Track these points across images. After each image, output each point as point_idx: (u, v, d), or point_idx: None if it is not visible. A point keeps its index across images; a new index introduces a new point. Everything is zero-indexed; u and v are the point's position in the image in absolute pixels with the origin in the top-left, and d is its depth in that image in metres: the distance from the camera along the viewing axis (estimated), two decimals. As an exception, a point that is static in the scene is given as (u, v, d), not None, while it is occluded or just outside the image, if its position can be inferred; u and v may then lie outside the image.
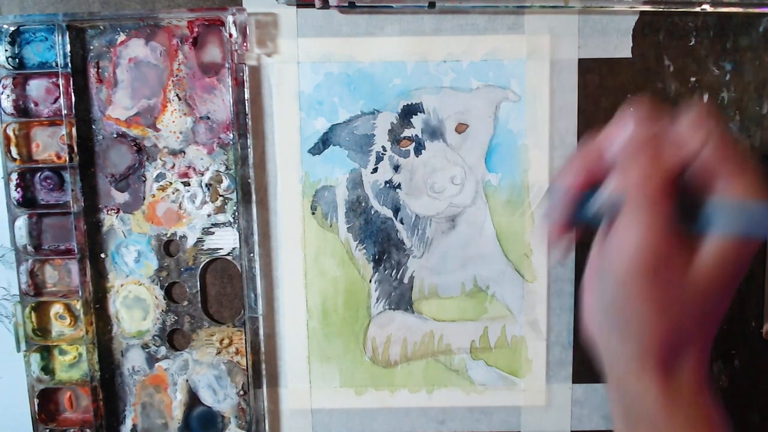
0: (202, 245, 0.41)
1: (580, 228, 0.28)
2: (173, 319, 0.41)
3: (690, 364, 0.28)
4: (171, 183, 0.40)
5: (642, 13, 0.39)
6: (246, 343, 0.41)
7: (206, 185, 0.40)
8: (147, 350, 0.42)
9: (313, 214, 0.41)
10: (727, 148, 0.25)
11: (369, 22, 0.39)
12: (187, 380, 0.42)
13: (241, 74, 0.39)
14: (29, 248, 0.40)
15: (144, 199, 0.41)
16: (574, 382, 0.42)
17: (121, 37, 0.39)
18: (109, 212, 0.41)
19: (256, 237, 0.40)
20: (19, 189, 0.40)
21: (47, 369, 0.41)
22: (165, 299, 0.41)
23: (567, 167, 0.28)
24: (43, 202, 0.41)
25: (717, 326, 0.29)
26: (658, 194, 0.25)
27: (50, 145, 0.40)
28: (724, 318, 0.29)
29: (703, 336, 0.28)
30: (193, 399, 0.42)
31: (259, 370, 0.41)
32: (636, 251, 0.26)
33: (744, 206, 0.25)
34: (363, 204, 0.41)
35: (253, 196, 0.40)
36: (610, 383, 0.30)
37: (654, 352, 0.28)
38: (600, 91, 0.40)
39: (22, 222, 0.40)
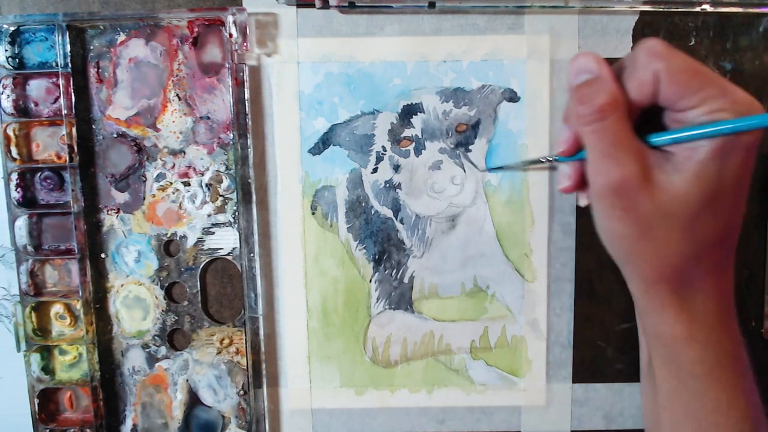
0: (203, 245, 0.41)
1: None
2: (173, 319, 0.41)
3: (705, 287, 0.28)
4: (171, 183, 0.40)
5: (642, 13, 0.39)
6: (246, 343, 0.41)
7: (206, 185, 0.40)
8: (147, 350, 0.42)
9: (313, 214, 0.41)
10: (678, 80, 0.26)
11: (369, 22, 0.39)
12: (187, 380, 0.42)
13: (241, 74, 0.39)
14: (29, 248, 0.40)
15: (144, 199, 0.41)
16: (574, 382, 0.42)
17: (121, 37, 0.39)
18: (109, 212, 0.41)
19: (256, 237, 0.40)
20: (19, 189, 0.40)
21: (47, 369, 0.41)
22: (165, 299, 0.41)
23: (559, 136, 0.31)
24: (43, 202, 0.41)
25: (727, 247, 0.29)
26: (597, 126, 0.27)
27: (50, 145, 0.40)
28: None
29: (710, 262, 0.28)
30: (193, 399, 0.42)
31: (260, 370, 0.41)
32: (592, 176, 0.28)
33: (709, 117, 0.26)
34: (363, 204, 0.41)
35: (253, 196, 0.40)
36: (637, 317, 0.32)
37: (656, 272, 0.28)
38: (600, 91, 0.40)
39: (22, 222, 0.40)
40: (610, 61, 0.39)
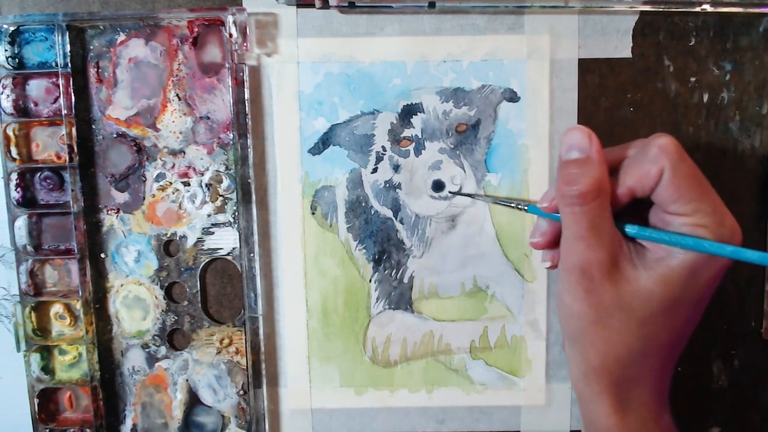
0: (202, 245, 0.41)
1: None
2: (173, 319, 0.41)
3: (644, 382, 0.29)
4: (171, 183, 0.40)
5: (642, 13, 0.39)
6: (246, 343, 0.41)
7: (206, 185, 0.40)
8: (147, 350, 0.42)
9: (313, 214, 0.41)
10: (679, 185, 0.26)
11: (369, 22, 0.39)
12: (187, 380, 0.42)
13: (241, 74, 0.39)
14: (29, 248, 0.40)
15: (144, 199, 0.41)
16: (573, 382, 0.42)
17: (121, 37, 0.39)
18: (109, 212, 0.41)
19: (256, 237, 0.40)
20: (18, 189, 0.40)
21: (47, 369, 0.41)
22: (165, 299, 0.41)
23: (547, 191, 0.31)
24: (42, 202, 0.41)
25: (676, 351, 0.30)
26: (577, 209, 0.27)
27: (50, 145, 0.40)
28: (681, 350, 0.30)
29: (655, 362, 0.29)
30: (193, 399, 0.42)
31: (259, 370, 0.41)
32: (564, 251, 0.28)
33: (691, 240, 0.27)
34: (363, 204, 0.41)
35: (253, 196, 0.40)
36: (576, 396, 0.32)
37: (601, 359, 0.28)
38: (600, 91, 0.40)
39: (21, 222, 0.40)
40: (610, 61, 0.39)
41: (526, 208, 0.31)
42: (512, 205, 0.33)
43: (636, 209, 0.29)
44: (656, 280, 0.27)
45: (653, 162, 0.27)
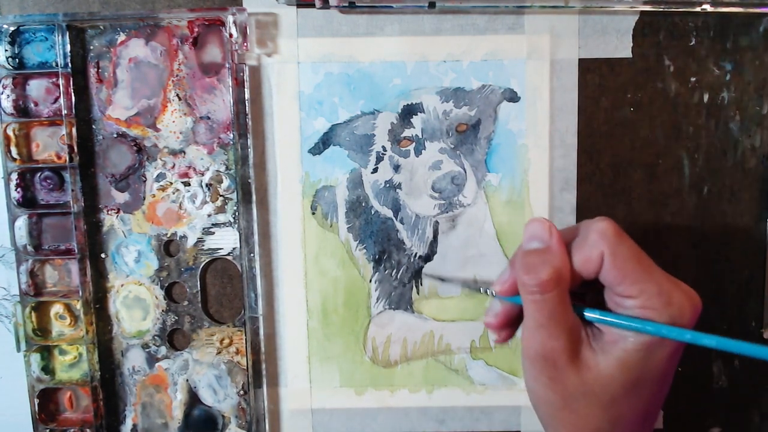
0: (203, 245, 0.41)
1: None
2: (173, 319, 0.41)
3: None
4: (171, 183, 0.40)
5: (642, 13, 0.39)
6: (246, 343, 0.41)
7: (206, 185, 0.40)
8: (147, 350, 0.42)
9: (313, 214, 0.41)
10: (621, 267, 0.27)
11: (369, 22, 0.39)
12: (187, 380, 0.42)
13: (241, 74, 0.39)
14: (29, 248, 0.40)
15: (144, 199, 0.41)
16: (574, 382, 0.42)
17: (121, 37, 0.39)
18: (109, 212, 0.41)
19: (256, 237, 0.40)
20: (19, 189, 0.40)
21: (47, 369, 0.41)
22: (165, 299, 0.41)
23: (501, 274, 0.31)
24: (43, 202, 0.41)
25: (645, 427, 0.30)
26: (538, 297, 0.28)
27: (50, 145, 0.40)
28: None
29: None
30: (193, 399, 0.42)
31: (260, 370, 0.41)
32: (525, 339, 0.29)
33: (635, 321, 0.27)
34: (363, 204, 0.41)
35: (253, 196, 0.40)
36: None
37: None
38: (600, 91, 0.40)
39: (22, 222, 0.40)
40: (610, 61, 0.39)
41: (493, 294, 0.32)
42: (481, 290, 0.33)
43: (591, 289, 0.30)
44: (614, 364, 0.27)
45: (593, 247, 0.27)
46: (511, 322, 0.31)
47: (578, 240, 0.28)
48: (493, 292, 0.31)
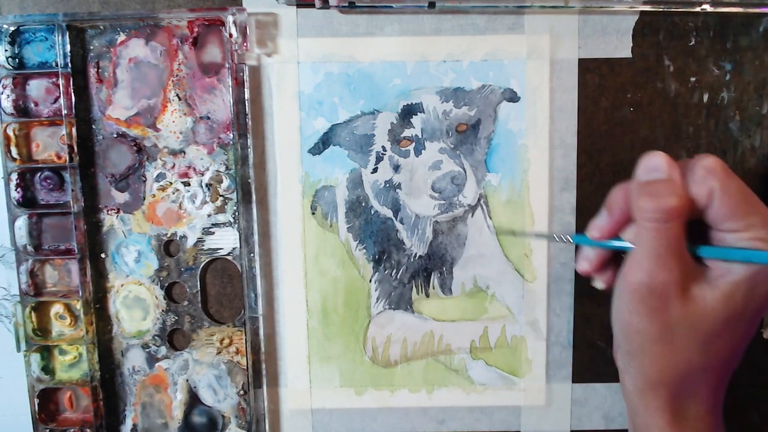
0: (203, 245, 0.41)
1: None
2: (173, 319, 0.41)
3: (700, 396, 0.29)
4: (171, 183, 0.40)
5: (642, 13, 0.39)
6: (246, 343, 0.41)
7: (206, 185, 0.40)
8: (147, 350, 0.42)
9: (313, 214, 0.41)
10: (730, 203, 0.27)
11: (369, 22, 0.39)
12: (187, 380, 0.42)
13: (241, 74, 0.39)
14: (29, 248, 0.40)
15: (144, 199, 0.41)
16: (573, 381, 0.42)
17: (121, 37, 0.39)
18: (109, 212, 0.41)
19: (256, 237, 0.40)
20: (19, 189, 0.40)
21: (47, 369, 0.41)
22: (165, 299, 0.41)
23: (596, 220, 0.31)
24: (43, 202, 0.41)
25: (729, 370, 0.30)
26: (660, 225, 0.27)
27: (50, 145, 0.40)
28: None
29: (713, 375, 0.29)
30: (193, 399, 0.42)
31: (260, 370, 0.41)
32: (633, 270, 0.28)
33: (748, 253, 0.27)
34: (363, 204, 0.41)
35: (253, 196, 0.40)
36: (627, 407, 0.32)
37: (660, 375, 0.29)
38: (600, 91, 0.40)
39: (22, 222, 0.40)
40: (610, 61, 0.39)
41: (570, 239, 0.32)
42: (560, 238, 0.33)
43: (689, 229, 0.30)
44: (720, 297, 0.28)
45: (701, 184, 0.28)
46: (605, 267, 0.31)
47: (686, 178, 0.28)
48: (569, 239, 0.31)
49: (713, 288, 0.28)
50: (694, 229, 0.29)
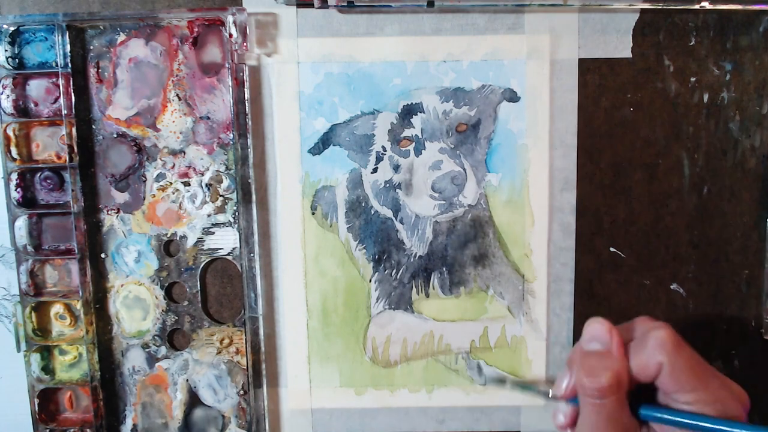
0: (203, 245, 0.41)
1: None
2: (173, 319, 0.41)
3: None
4: (171, 183, 0.40)
5: (642, 13, 0.39)
6: (246, 343, 0.41)
7: (206, 185, 0.40)
8: (147, 350, 0.42)
9: (313, 214, 0.41)
10: (679, 378, 0.28)
11: (369, 22, 0.39)
12: (187, 380, 0.42)
13: (241, 74, 0.39)
14: (29, 248, 0.40)
15: (144, 199, 0.41)
16: (574, 382, 0.42)
17: (121, 37, 0.39)
18: (109, 212, 0.41)
19: (256, 237, 0.40)
20: (19, 189, 0.40)
21: (47, 369, 0.41)
22: (165, 299, 0.41)
23: (560, 380, 0.32)
24: (43, 202, 0.41)
25: None
26: (598, 402, 0.28)
27: (50, 145, 0.40)
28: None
29: None
30: (193, 399, 0.42)
31: (260, 370, 0.41)
32: None
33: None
34: (363, 204, 0.41)
35: (253, 196, 0.40)
36: None
37: None
38: (600, 91, 0.40)
39: (22, 222, 0.40)
40: (610, 61, 0.39)
41: (549, 394, 0.33)
42: (541, 392, 0.34)
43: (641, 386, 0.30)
44: None
45: (651, 356, 0.28)
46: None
47: (635, 344, 0.29)
48: (549, 394, 0.32)
49: None
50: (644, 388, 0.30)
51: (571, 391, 0.31)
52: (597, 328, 0.30)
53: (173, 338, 0.42)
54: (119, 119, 0.40)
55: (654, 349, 0.28)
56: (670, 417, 0.28)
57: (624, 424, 0.29)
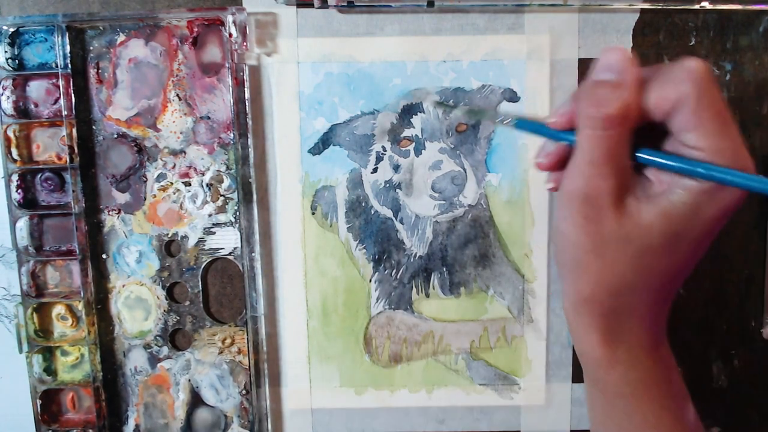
0: (204, 245, 0.41)
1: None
2: (175, 319, 0.42)
3: (635, 316, 0.28)
4: (172, 183, 0.41)
5: (642, 13, 0.39)
6: (248, 343, 0.41)
7: (207, 185, 0.40)
8: (149, 350, 0.42)
9: (313, 214, 0.41)
10: (702, 115, 0.24)
11: (369, 22, 0.39)
12: (189, 380, 0.42)
13: (241, 74, 0.39)
14: (30, 249, 0.40)
15: (145, 199, 0.41)
16: (573, 381, 0.42)
17: (121, 37, 0.39)
18: (110, 213, 0.41)
19: (257, 237, 0.40)
20: (20, 190, 0.40)
21: (49, 370, 0.42)
22: (167, 299, 0.41)
23: (559, 106, 0.28)
24: (44, 203, 0.41)
25: (671, 291, 0.28)
26: (598, 133, 0.25)
27: (51, 146, 0.40)
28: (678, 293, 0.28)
29: (650, 296, 0.28)
30: (195, 399, 0.42)
31: (261, 370, 0.41)
32: (570, 176, 0.26)
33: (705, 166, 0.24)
34: (363, 204, 0.41)
35: (254, 196, 0.40)
36: (568, 327, 0.30)
37: (592, 289, 0.27)
38: (600, 90, 0.40)
39: (23, 223, 0.40)
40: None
41: (512, 122, 0.28)
42: (497, 119, 0.30)
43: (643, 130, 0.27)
44: (657, 213, 0.26)
45: (677, 85, 0.24)
46: (562, 165, 0.28)
47: (660, 76, 0.25)
48: (511, 121, 0.28)
49: (651, 204, 0.26)
50: (652, 135, 0.27)
51: (566, 120, 0.27)
52: (612, 57, 0.26)
53: (175, 338, 0.42)
54: (119, 120, 0.40)
55: (683, 77, 0.24)
56: (675, 164, 0.25)
57: (622, 165, 0.26)
